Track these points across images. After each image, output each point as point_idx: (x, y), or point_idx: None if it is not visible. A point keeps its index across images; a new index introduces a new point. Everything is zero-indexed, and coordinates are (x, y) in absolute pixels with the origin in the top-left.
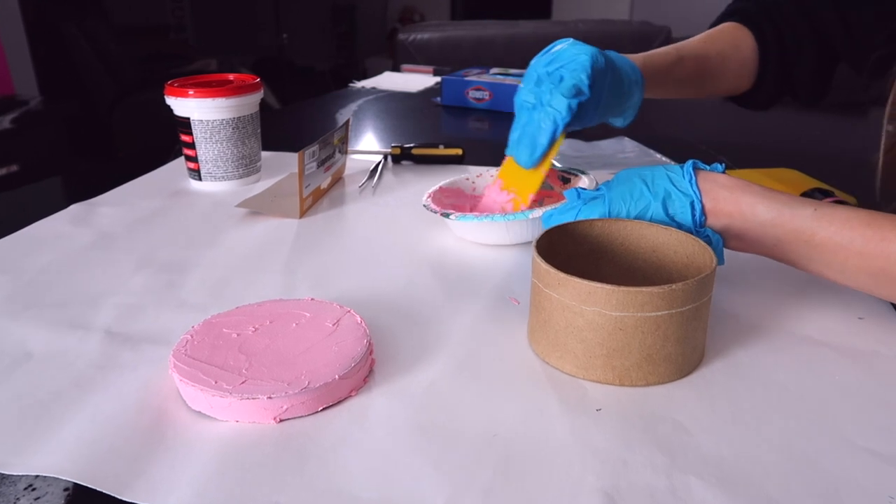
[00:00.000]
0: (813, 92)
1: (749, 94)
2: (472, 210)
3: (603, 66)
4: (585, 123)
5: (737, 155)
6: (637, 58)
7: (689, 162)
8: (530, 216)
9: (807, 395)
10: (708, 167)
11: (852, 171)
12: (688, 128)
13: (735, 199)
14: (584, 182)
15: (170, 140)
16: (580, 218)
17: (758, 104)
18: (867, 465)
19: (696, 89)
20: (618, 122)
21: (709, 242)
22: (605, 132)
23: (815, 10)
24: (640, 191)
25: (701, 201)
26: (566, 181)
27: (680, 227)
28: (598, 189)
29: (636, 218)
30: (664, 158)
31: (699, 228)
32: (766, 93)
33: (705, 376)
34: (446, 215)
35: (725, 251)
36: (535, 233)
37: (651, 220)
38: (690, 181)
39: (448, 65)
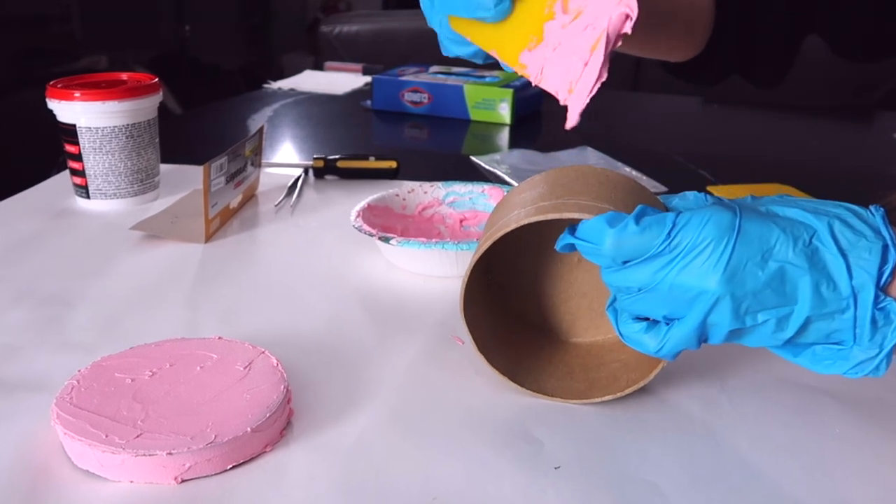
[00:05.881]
0: (778, 62)
1: (698, 60)
2: (403, 232)
3: None
4: None
5: (720, 168)
6: None
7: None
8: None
9: (801, 449)
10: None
11: (857, 186)
12: (660, 135)
13: None
14: None
15: (52, 151)
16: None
17: (709, 72)
18: None
19: (669, 31)
20: None
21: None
22: (564, 142)
23: None
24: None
25: None
26: None
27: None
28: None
29: None
30: (634, 172)
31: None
32: (720, 57)
33: (682, 427)
34: (385, 240)
35: None
36: None
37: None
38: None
39: (380, 62)
